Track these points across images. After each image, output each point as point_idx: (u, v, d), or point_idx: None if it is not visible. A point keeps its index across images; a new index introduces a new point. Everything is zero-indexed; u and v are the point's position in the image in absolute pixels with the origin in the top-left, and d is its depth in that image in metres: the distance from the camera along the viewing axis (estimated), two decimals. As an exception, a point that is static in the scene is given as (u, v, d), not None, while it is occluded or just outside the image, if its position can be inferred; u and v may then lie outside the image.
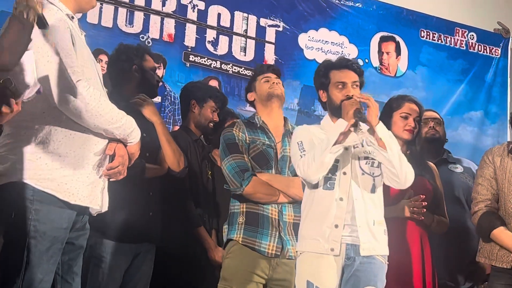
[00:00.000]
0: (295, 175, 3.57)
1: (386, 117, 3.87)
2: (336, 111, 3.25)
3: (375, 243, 3.16)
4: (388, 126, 3.72)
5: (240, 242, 3.60)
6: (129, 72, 3.78)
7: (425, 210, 3.68)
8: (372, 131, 3.12)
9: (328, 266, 3.14)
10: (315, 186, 3.22)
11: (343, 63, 3.40)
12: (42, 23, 2.40)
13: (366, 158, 3.24)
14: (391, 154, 3.11)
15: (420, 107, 3.91)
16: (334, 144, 3.05)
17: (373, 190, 3.25)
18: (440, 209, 3.87)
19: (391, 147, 3.12)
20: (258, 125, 3.74)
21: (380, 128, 3.12)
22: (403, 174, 3.15)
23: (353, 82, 3.30)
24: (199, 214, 3.98)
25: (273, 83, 3.77)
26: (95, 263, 3.41)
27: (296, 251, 3.30)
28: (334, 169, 3.16)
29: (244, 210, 3.69)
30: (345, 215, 3.15)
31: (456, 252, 4.33)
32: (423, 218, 3.69)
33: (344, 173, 3.20)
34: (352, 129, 3.12)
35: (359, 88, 3.36)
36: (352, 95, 3.21)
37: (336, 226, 3.12)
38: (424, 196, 3.70)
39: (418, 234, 3.77)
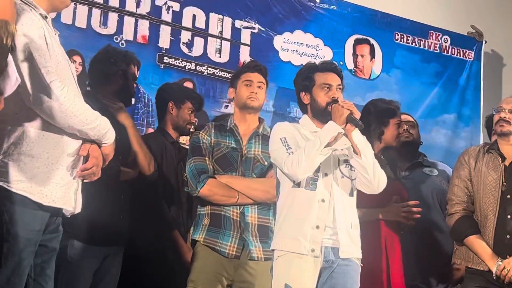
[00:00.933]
0: (260, 176, 3.69)
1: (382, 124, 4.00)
2: (319, 113, 3.32)
3: (353, 246, 3.21)
4: (382, 130, 3.99)
5: (202, 243, 3.66)
6: (114, 75, 3.79)
7: (418, 215, 3.76)
8: (348, 136, 3.17)
9: (307, 268, 3.17)
10: (297, 185, 3.25)
11: (328, 67, 3.47)
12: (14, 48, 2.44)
13: (345, 161, 3.28)
14: (365, 160, 3.18)
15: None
16: (326, 146, 3.09)
17: (351, 194, 3.30)
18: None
19: (366, 154, 3.19)
20: (228, 128, 3.78)
21: (356, 134, 3.18)
22: (376, 180, 3.22)
23: (338, 85, 3.37)
24: (173, 217, 3.99)
25: (252, 92, 3.79)
26: (64, 265, 3.40)
27: (273, 250, 3.29)
28: (316, 169, 3.20)
29: (209, 212, 3.75)
30: (326, 216, 3.20)
31: (428, 254, 4.37)
32: (413, 223, 3.77)
33: (326, 174, 3.24)
34: (342, 132, 3.16)
35: (341, 92, 3.41)
36: (337, 98, 3.28)
37: (318, 227, 3.16)
38: (418, 202, 3.80)
39: (383, 235, 3.82)
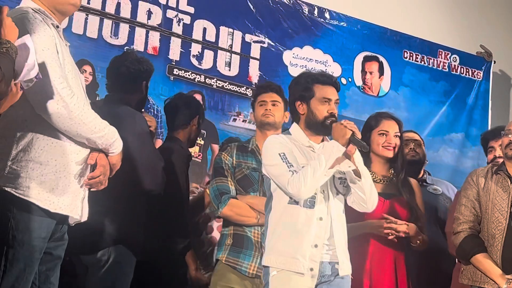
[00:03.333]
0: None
1: (365, 136, 3.89)
2: (315, 126, 3.30)
3: (348, 263, 3.25)
4: (368, 144, 3.81)
5: (224, 262, 3.68)
6: (139, 84, 3.83)
7: (403, 234, 3.73)
8: (349, 157, 3.18)
9: (304, 285, 3.17)
10: (294, 202, 3.23)
11: (328, 80, 3.42)
12: None
13: (340, 178, 3.29)
14: (364, 181, 3.20)
15: (399, 122, 3.96)
16: (330, 167, 3.09)
17: (343, 210, 3.32)
18: (421, 228, 3.89)
19: (365, 175, 3.21)
20: (249, 149, 3.83)
21: (357, 155, 3.18)
22: (371, 201, 3.26)
23: (336, 99, 3.34)
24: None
25: (267, 109, 3.84)
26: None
27: (267, 266, 3.30)
28: None
29: (232, 232, 3.78)
30: (324, 235, 3.19)
31: (430, 274, 4.35)
32: (393, 238, 3.74)
33: (323, 192, 3.23)
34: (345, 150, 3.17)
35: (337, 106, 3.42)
36: (336, 113, 3.26)
37: (316, 246, 3.16)
38: (405, 223, 3.76)
39: (392, 256, 3.81)
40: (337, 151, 3.08)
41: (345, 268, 3.24)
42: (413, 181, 4.00)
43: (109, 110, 3.38)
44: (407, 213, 3.83)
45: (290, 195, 3.21)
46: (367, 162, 3.84)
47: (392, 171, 3.92)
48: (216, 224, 4.45)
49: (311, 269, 3.14)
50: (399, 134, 3.88)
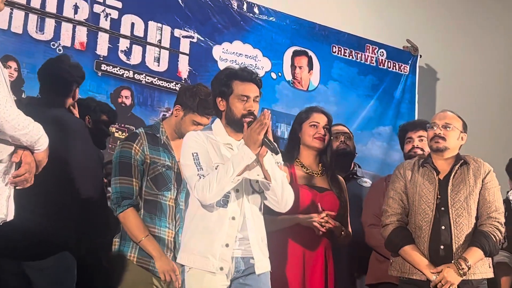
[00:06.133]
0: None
1: (296, 129, 4.04)
2: (233, 123, 3.32)
3: (265, 260, 3.30)
4: (299, 136, 4.03)
5: (135, 263, 3.68)
6: (73, 89, 3.84)
7: (332, 225, 3.81)
8: (259, 162, 3.21)
9: (218, 281, 3.23)
10: (207, 204, 3.29)
11: (248, 77, 3.43)
12: None
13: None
14: (275, 184, 3.22)
15: (328, 116, 4.05)
16: (238, 175, 3.12)
17: (260, 208, 3.36)
18: (344, 222, 4.03)
19: (275, 177, 3.23)
20: (162, 142, 3.78)
21: (267, 158, 3.20)
22: (283, 201, 3.29)
23: (255, 96, 3.35)
24: None
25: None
26: None
27: (182, 265, 3.35)
28: None
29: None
30: (236, 233, 3.23)
31: (359, 266, 4.49)
32: (324, 231, 3.82)
33: (237, 191, 3.26)
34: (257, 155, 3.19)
35: (258, 102, 3.43)
36: (254, 110, 3.29)
37: (227, 245, 3.20)
38: (334, 213, 3.85)
39: (323, 246, 3.89)
40: (247, 158, 3.13)
41: (263, 266, 3.29)
42: (340, 178, 4.11)
43: (44, 112, 3.40)
44: (337, 207, 3.91)
45: (197, 199, 3.26)
46: (297, 154, 4.05)
47: (321, 165, 3.98)
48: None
49: (221, 268, 3.18)
50: (328, 127, 3.94)
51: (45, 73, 3.93)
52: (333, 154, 4.20)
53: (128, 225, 3.72)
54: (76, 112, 4.12)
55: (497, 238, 3.83)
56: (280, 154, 3.46)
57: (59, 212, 3.60)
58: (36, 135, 2.71)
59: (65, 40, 5.25)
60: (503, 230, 3.92)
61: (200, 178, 3.16)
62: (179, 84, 5.91)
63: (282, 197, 3.27)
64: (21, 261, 3.60)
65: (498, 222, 3.85)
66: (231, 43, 6.20)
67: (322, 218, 3.81)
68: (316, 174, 4.03)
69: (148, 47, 5.69)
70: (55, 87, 3.83)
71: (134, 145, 3.72)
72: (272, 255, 3.43)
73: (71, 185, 3.71)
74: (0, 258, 3.51)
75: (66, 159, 3.68)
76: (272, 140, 3.14)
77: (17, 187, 2.76)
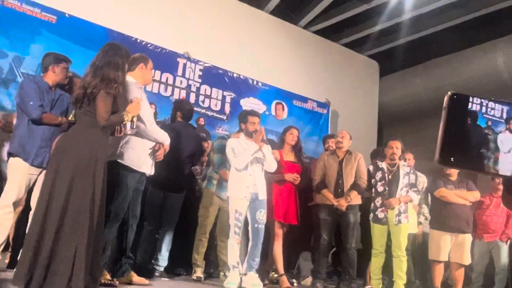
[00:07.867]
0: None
1: (282, 135, 5.60)
2: (248, 134, 4.80)
3: (264, 193, 4.80)
4: (284, 139, 5.61)
5: (214, 193, 5.12)
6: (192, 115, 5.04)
7: (298, 179, 5.33)
8: (260, 149, 4.64)
9: (243, 204, 4.65)
10: (239, 169, 4.74)
11: (256, 113, 4.97)
12: None
13: (259, 155, 4.83)
14: (268, 158, 4.74)
15: (297, 129, 5.70)
16: (252, 155, 4.55)
17: (262, 170, 4.84)
18: (303, 178, 5.51)
19: (267, 156, 4.73)
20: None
21: (264, 148, 4.74)
22: (271, 168, 4.87)
23: (258, 122, 4.88)
24: None
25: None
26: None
27: (227, 196, 4.73)
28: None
29: (218, 177, 5.32)
30: (252, 181, 4.75)
31: (305, 196, 6.10)
32: (295, 183, 5.37)
33: (251, 163, 4.75)
34: (259, 147, 4.63)
35: (259, 124, 4.86)
36: (257, 129, 4.72)
37: (248, 187, 4.73)
38: (299, 174, 5.35)
39: (292, 188, 5.47)
40: (254, 147, 4.61)
41: (262, 195, 4.75)
42: (301, 157, 5.66)
43: (168, 126, 4.67)
44: (300, 171, 5.52)
45: (233, 167, 4.72)
46: (283, 146, 5.66)
47: (294, 152, 5.56)
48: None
49: (245, 197, 4.67)
50: (297, 134, 5.63)
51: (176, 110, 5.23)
52: (299, 146, 5.71)
53: (223, 176, 5.14)
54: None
55: (363, 186, 5.56)
56: (269, 145, 4.81)
57: (175, 171, 5.03)
58: (164, 138, 3.88)
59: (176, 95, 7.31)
60: (366, 183, 5.57)
61: (235, 157, 4.68)
62: (225, 116, 8.30)
63: (270, 165, 4.83)
64: (165, 191, 5.02)
65: (363, 180, 5.55)
66: (248, 97, 8.86)
67: (295, 176, 5.34)
68: (291, 155, 5.51)
69: (212, 99, 8.26)
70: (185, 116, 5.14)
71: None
72: (267, 192, 4.89)
73: (181, 161, 5.03)
74: (154, 188, 4.86)
75: (179, 149, 4.93)
76: (265, 139, 4.55)
77: (156, 160, 3.91)
